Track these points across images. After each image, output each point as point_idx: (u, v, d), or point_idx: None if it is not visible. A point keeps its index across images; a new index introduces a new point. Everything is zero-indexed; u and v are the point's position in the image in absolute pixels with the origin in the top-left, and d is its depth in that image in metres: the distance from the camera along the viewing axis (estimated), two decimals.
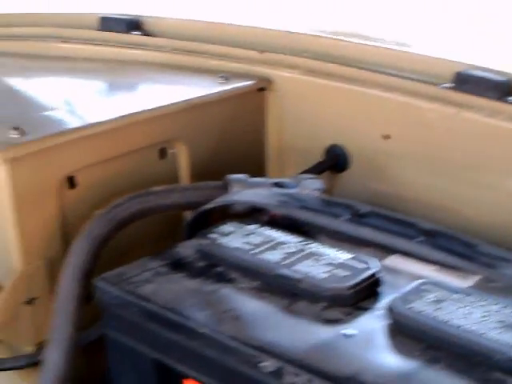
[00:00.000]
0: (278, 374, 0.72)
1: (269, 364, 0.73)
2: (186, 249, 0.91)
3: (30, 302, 0.94)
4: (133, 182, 1.01)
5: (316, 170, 1.11)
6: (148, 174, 1.05)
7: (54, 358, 0.85)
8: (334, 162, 1.13)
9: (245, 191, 0.94)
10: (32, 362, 0.94)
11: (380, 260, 0.86)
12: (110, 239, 0.90)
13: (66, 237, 0.95)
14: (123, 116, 1.01)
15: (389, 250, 0.88)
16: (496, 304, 0.76)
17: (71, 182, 0.96)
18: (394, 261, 0.88)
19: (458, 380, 0.70)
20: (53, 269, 0.93)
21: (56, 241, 0.94)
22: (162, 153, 1.07)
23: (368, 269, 0.83)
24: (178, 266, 0.88)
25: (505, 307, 0.76)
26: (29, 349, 0.96)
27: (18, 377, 0.95)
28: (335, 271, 0.83)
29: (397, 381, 0.70)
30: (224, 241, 0.89)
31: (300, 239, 0.89)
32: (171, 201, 0.95)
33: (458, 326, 0.73)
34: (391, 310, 0.77)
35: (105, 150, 1.00)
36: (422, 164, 1.06)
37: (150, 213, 0.94)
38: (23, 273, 0.91)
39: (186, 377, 0.81)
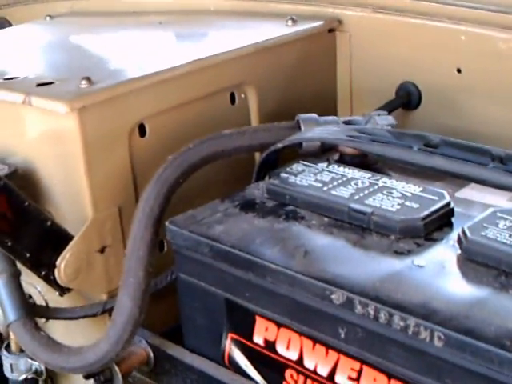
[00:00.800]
0: (348, 305, 0.74)
1: (339, 296, 0.74)
2: (257, 190, 0.93)
3: (102, 250, 0.97)
4: (203, 128, 1.02)
5: (387, 108, 1.11)
6: (218, 120, 1.06)
7: (126, 302, 0.87)
8: (406, 99, 1.13)
9: (315, 129, 0.95)
10: (105, 310, 0.97)
11: (453, 192, 0.87)
12: (181, 183, 0.92)
13: (137, 184, 0.98)
14: (192, 61, 1.03)
15: (461, 180, 0.88)
16: None
17: (142, 129, 0.98)
18: (467, 192, 0.89)
19: None
20: (124, 217, 0.96)
21: (127, 188, 0.97)
22: (232, 98, 1.09)
23: (439, 200, 0.84)
24: (248, 206, 0.90)
25: None
26: (102, 297, 0.99)
27: (92, 324, 0.98)
28: (406, 203, 0.84)
29: (468, 308, 0.70)
30: (294, 179, 0.90)
31: (370, 175, 0.90)
32: (242, 143, 0.96)
33: None
34: (463, 238, 0.77)
35: (175, 96, 1.02)
36: (494, 97, 1.05)
37: (221, 156, 0.95)
38: (94, 220, 0.94)
39: (258, 314, 0.83)
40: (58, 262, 0.92)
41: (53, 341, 0.94)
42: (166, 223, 0.88)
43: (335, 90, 1.22)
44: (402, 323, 0.70)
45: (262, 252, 0.82)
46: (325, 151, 0.98)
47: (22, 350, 1.07)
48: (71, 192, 0.96)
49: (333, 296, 0.75)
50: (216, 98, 1.07)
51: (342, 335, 0.76)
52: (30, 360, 1.07)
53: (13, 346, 1.08)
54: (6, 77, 1.01)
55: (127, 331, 0.87)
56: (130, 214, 0.92)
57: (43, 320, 1.06)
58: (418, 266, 0.77)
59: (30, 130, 0.96)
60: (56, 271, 0.93)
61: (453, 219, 0.84)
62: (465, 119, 1.08)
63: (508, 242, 0.75)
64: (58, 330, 1.03)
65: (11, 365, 1.08)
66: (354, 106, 1.19)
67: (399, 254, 0.79)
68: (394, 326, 0.71)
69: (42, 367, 1.09)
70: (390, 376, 0.74)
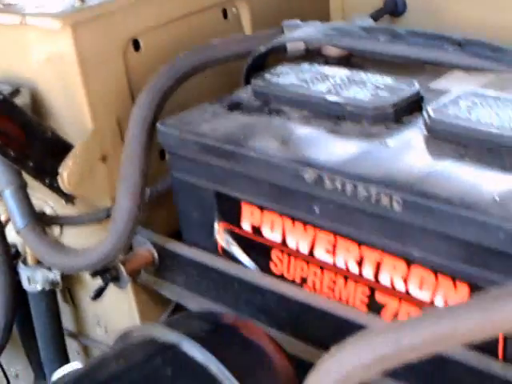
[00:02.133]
0: (319, 182, 0.84)
1: (310, 174, 0.84)
2: (244, 92, 1.03)
3: (104, 159, 1.08)
4: (196, 43, 1.12)
5: (376, 15, 1.20)
6: (211, 34, 1.15)
7: (124, 201, 0.98)
8: (393, 7, 1.22)
9: (296, 31, 1.04)
10: (110, 215, 1.08)
11: (427, 83, 0.96)
12: (173, 91, 1.03)
13: (134, 97, 1.08)
14: None
15: (437, 73, 0.97)
16: None
17: (136, 44, 1.08)
18: (441, 83, 0.98)
19: (482, 169, 0.79)
20: (123, 128, 1.07)
21: (124, 100, 1.08)
22: (225, 13, 1.18)
23: (410, 89, 0.93)
24: (235, 106, 1.00)
25: None
26: (106, 204, 1.10)
27: (100, 233, 1.09)
28: (379, 93, 0.93)
29: (426, 176, 0.80)
30: (277, 80, 1.01)
31: (348, 71, 1.00)
32: (230, 51, 1.06)
33: (488, 124, 0.83)
34: (427, 118, 0.87)
35: (168, 11, 1.11)
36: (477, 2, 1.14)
37: (211, 64, 1.05)
38: (94, 130, 1.05)
39: (243, 201, 0.93)
40: (60, 170, 1.03)
41: (60, 244, 1.06)
42: (157, 124, 0.99)
43: (327, 2, 1.31)
44: (365, 193, 0.81)
45: (243, 143, 0.92)
46: (309, 55, 1.08)
47: (38, 262, 1.19)
48: (71, 107, 1.07)
49: (305, 175, 0.85)
50: (208, 13, 1.17)
51: (317, 211, 0.87)
52: (46, 271, 1.19)
53: (29, 259, 1.20)
54: (5, 2, 1.12)
55: (127, 228, 0.98)
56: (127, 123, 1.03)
57: (57, 233, 1.18)
58: (386, 145, 0.87)
59: (29, 51, 1.07)
60: (59, 179, 1.04)
61: (422, 104, 0.93)
62: (449, 22, 1.17)
63: (467, 119, 0.85)
64: (69, 242, 1.14)
65: (28, 277, 1.20)
66: (348, 16, 1.28)
67: (370, 136, 0.89)
68: (358, 196, 0.81)
69: (58, 277, 1.21)
70: (360, 244, 0.85)
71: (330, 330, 0.89)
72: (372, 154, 0.86)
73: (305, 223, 0.89)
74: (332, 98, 0.94)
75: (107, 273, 1.06)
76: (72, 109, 1.06)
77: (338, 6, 1.30)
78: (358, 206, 0.82)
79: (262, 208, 0.93)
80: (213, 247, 1.00)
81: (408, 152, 0.86)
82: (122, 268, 1.06)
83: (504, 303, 0.56)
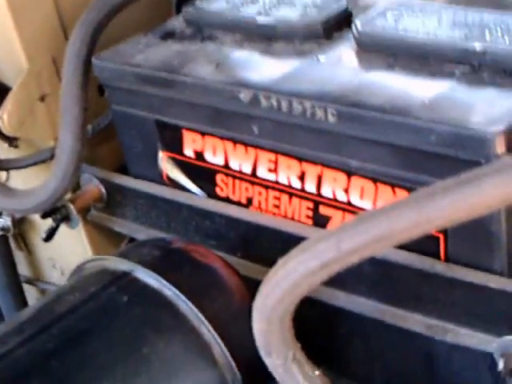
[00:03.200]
0: (255, 101, 0.85)
1: (245, 94, 0.86)
2: (176, 21, 1.04)
3: (43, 98, 1.08)
4: None
5: None
6: None
7: (66, 138, 0.98)
8: None
9: None
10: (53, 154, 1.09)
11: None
12: (105, 25, 1.02)
13: (66, 34, 1.08)
14: None
15: None
16: (453, 9, 0.87)
17: None
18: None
19: (412, 77, 0.81)
20: (59, 66, 1.06)
21: (57, 38, 1.08)
22: None
23: (338, 5, 0.94)
24: (168, 35, 1.01)
25: (461, 11, 0.87)
26: (49, 144, 1.10)
27: (44, 170, 1.10)
28: (308, 11, 0.94)
29: (357, 87, 0.82)
30: (207, 6, 1.01)
31: None
32: None
33: (415, 33, 0.85)
34: (356, 32, 0.88)
35: None
36: None
37: None
38: (30, 70, 1.05)
39: (184, 128, 0.95)
40: (0, 113, 1.03)
41: (7, 187, 1.06)
42: (92, 59, 0.99)
43: None
44: (300, 107, 0.82)
45: (179, 70, 0.93)
46: None
47: None
48: (5, 49, 1.06)
49: (241, 95, 0.86)
50: None
51: (256, 131, 0.88)
52: None
53: None
54: None
55: (72, 165, 0.99)
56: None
57: (3, 179, 1.19)
58: (318, 61, 0.88)
59: None
60: (0, 122, 1.04)
61: (352, 19, 0.95)
62: None
63: (394, 29, 0.86)
64: (17, 187, 1.15)
65: None
66: None
67: (302, 54, 0.91)
68: (294, 112, 0.83)
69: (9, 223, 1.21)
70: (300, 159, 0.87)
71: (279, 248, 0.90)
72: (305, 70, 0.88)
73: (246, 144, 0.90)
74: (262, 19, 0.95)
75: (57, 213, 1.07)
76: (6, 51, 1.06)
77: None
78: (295, 121, 0.84)
79: (202, 133, 0.94)
80: (158, 177, 1.01)
81: (339, 66, 0.88)
82: (72, 206, 1.07)
83: (436, 198, 0.58)
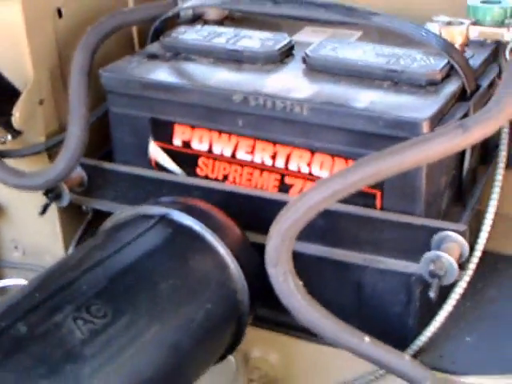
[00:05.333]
0: (244, 101, 1.20)
1: (238, 96, 1.20)
2: (154, 48, 1.36)
3: (41, 102, 1.36)
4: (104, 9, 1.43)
5: None
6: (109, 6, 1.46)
7: (75, 130, 1.27)
8: None
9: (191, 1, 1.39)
10: (47, 147, 1.37)
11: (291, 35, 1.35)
12: (98, 48, 1.33)
13: (59, 53, 1.37)
14: None
15: (294, 29, 1.37)
16: (372, 45, 1.27)
17: (59, 12, 1.38)
18: (298, 36, 1.37)
19: (355, 88, 1.20)
20: (53, 78, 1.36)
21: (55, 55, 1.37)
22: None
23: (285, 39, 1.31)
24: (153, 57, 1.33)
25: (377, 46, 1.26)
26: (42, 139, 1.38)
27: (32, 162, 1.37)
28: (265, 42, 1.30)
29: (319, 93, 1.19)
30: (182, 36, 1.35)
31: (234, 29, 1.36)
32: (139, 16, 1.39)
33: (351, 59, 1.23)
34: (306, 57, 1.25)
35: None
36: None
37: (126, 25, 1.37)
38: (35, 80, 1.33)
39: (177, 123, 1.27)
40: (14, 111, 1.31)
41: (17, 170, 1.33)
42: (100, 71, 1.30)
43: None
44: (282, 105, 1.18)
45: (177, 79, 1.26)
46: (194, 20, 1.43)
47: None
48: (18, 62, 1.33)
49: (233, 96, 1.20)
50: None
51: (240, 124, 1.22)
52: None
53: None
54: None
55: (78, 151, 1.27)
56: (56, 74, 1.34)
57: None
58: (284, 74, 1.25)
59: None
60: (13, 118, 1.32)
61: (293, 51, 1.32)
62: None
63: (335, 53, 1.24)
64: None
65: None
66: None
67: (268, 71, 1.27)
68: (277, 108, 1.18)
69: None
70: (274, 143, 1.22)
71: (251, 212, 1.24)
72: (276, 81, 1.23)
73: (230, 133, 1.24)
74: (231, 46, 1.30)
75: (53, 191, 1.35)
76: (18, 63, 1.34)
77: None
78: (275, 114, 1.19)
79: (192, 126, 1.27)
80: (147, 164, 1.31)
81: (303, 79, 1.24)
82: (65, 186, 1.35)
83: (409, 149, 0.98)
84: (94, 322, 0.90)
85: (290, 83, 1.23)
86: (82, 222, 1.44)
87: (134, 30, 1.53)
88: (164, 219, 1.10)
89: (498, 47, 1.33)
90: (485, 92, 1.25)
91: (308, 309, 1.06)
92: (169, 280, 1.00)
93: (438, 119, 1.14)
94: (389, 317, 1.22)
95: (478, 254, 1.15)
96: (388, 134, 1.13)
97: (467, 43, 1.28)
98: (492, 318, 1.30)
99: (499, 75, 1.31)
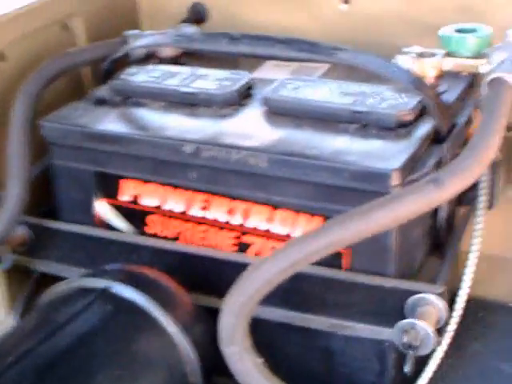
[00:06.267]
0: (196, 152, 1.07)
1: (189, 147, 1.07)
2: (104, 91, 1.23)
3: None
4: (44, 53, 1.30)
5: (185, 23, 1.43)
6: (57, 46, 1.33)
7: (15, 188, 1.14)
8: (197, 15, 1.47)
9: (142, 38, 1.26)
10: None
11: (250, 72, 1.22)
12: (41, 94, 1.20)
13: (4, 98, 1.24)
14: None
15: (252, 66, 1.24)
16: (337, 83, 1.14)
17: (2, 55, 1.25)
18: (258, 73, 1.24)
19: (318, 133, 1.06)
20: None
21: None
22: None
23: (244, 77, 1.18)
24: (101, 102, 1.20)
25: (344, 84, 1.13)
26: None
27: None
28: (222, 83, 1.17)
29: (278, 139, 1.06)
30: (132, 78, 1.22)
31: (189, 68, 1.23)
32: (87, 57, 1.26)
33: (314, 100, 1.10)
34: (267, 99, 1.12)
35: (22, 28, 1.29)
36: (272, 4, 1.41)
37: (73, 68, 1.25)
38: None
39: (124, 178, 1.14)
40: None
41: None
42: (40, 122, 1.17)
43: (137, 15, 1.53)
44: (237, 156, 1.05)
45: (123, 129, 1.13)
46: (147, 58, 1.30)
47: None
48: None
49: (184, 148, 1.07)
50: (51, 28, 1.34)
51: (193, 177, 1.09)
52: None
53: None
54: None
55: (17, 211, 1.15)
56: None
57: None
58: (241, 120, 1.12)
59: None
60: None
61: (254, 91, 1.19)
62: (250, 26, 1.43)
63: (295, 96, 1.11)
64: None
65: None
66: (154, 24, 1.51)
67: (226, 116, 1.14)
68: (231, 159, 1.05)
69: None
70: (230, 198, 1.09)
71: (205, 274, 1.11)
72: (233, 127, 1.10)
73: (182, 188, 1.11)
74: (185, 89, 1.18)
75: None
76: None
77: (147, 19, 1.53)
78: (230, 167, 1.06)
79: (141, 180, 1.14)
80: (91, 222, 1.18)
81: (263, 124, 1.11)
82: (7, 248, 1.22)
83: (377, 212, 0.84)
84: None
85: (247, 129, 1.10)
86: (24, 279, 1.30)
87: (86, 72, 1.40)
88: (104, 294, 0.97)
89: (475, 79, 1.20)
90: (461, 130, 1.12)
91: None
92: (107, 370, 0.87)
93: (410, 167, 1.01)
94: None
95: (455, 320, 1.02)
96: (355, 186, 1.00)
97: (442, 75, 1.14)
98: (478, 378, 1.18)
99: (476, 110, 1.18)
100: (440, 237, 1.14)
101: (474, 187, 1.09)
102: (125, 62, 1.30)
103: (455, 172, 0.90)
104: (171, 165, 1.10)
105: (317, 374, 1.11)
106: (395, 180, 0.98)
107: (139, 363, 0.92)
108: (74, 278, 1.05)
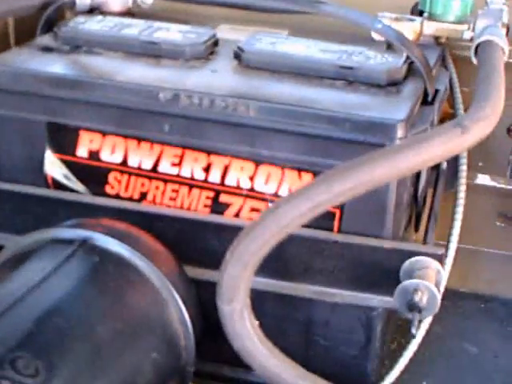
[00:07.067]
0: (174, 100, 0.96)
1: (166, 94, 0.96)
2: (48, 39, 1.10)
3: None
4: None
5: None
6: None
7: None
8: None
9: None
10: None
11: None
12: None
13: None
14: None
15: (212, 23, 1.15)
16: (314, 41, 1.06)
17: None
18: (219, 33, 1.15)
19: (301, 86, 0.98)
20: None
21: None
22: None
23: (209, 32, 1.09)
24: (49, 50, 1.07)
25: (321, 43, 1.06)
26: None
27: None
28: (186, 35, 1.07)
29: (262, 92, 0.97)
30: (82, 27, 1.09)
31: (144, 21, 1.12)
32: (30, 2, 1.12)
33: (295, 54, 1.02)
34: (240, 51, 1.03)
35: None
36: None
37: (15, 13, 1.11)
38: None
39: (82, 129, 1.01)
40: None
41: None
42: None
43: None
44: (222, 103, 0.95)
45: (85, 73, 1.00)
46: (91, 11, 1.18)
47: None
48: None
49: (160, 95, 0.96)
50: None
51: (166, 129, 0.98)
52: None
53: None
54: None
55: None
56: None
57: None
58: (214, 72, 1.02)
59: None
60: None
61: (219, 47, 1.10)
62: None
63: (274, 50, 1.03)
64: None
65: None
66: None
67: (197, 67, 1.03)
68: (215, 108, 0.95)
69: None
70: (209, 153, 0.98)
71: (173, 238, 0.99)
72: (210, 78, 1.01)
73: (152, 142, 1.00)
74: (147, 38, 1.06)
75: None
76: None
77: None
78: (213, 117, 0.96)
79: (103, 133, 1.01)
80: (42, 181, 1.04)
81: (241, 77, 1.01)
82: None
83: (403, 153, 0.78)
84: (24, 383, 0.62)
85: (226, 81, 1.00)
86: None
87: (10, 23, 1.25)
88: (86, 245, 0.84)
89: (444, 50, 1.16)
90: (443, 97, 1.07)
91: (266, 355, 0.84)
92: (107, 322, 0.74)
93: (410, 123, 0.94)
94: (344, 361, 1.01)
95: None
96: (354, 139, 0.92)
97: (417, 42, 1.10)
98: (443, 359, 1.16)
99: (450, 81, 1.14)
100: (417, 208, 1.08)
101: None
102: (63, 14, 1.17)
103: (478, 119, 0.84)
104: (140, 114, 0.99)
105: (295, 347, 1.01)
106: (400, 132, 0.92)
107: (136, 318, 0.80)
108: (42, 230, 0.91)
